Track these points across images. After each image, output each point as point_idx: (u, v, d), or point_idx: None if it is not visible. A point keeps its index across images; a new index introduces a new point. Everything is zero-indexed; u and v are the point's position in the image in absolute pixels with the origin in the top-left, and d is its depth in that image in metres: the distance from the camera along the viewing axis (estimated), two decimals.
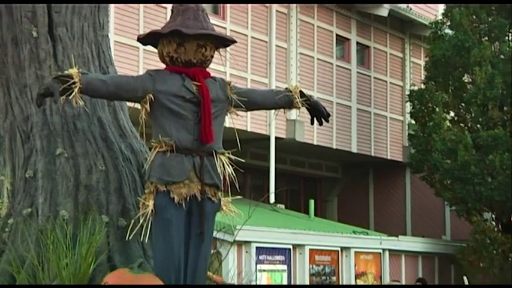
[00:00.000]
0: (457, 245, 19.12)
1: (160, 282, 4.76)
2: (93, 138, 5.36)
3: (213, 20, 6.10)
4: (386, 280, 16.73)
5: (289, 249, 15.32)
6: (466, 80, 19.36)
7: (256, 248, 14.43)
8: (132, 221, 5.03)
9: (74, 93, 4.81)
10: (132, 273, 4.71)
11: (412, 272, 18.32)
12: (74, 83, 4.82)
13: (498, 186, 17.95)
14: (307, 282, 15.65)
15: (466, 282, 15.16)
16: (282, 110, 5.45)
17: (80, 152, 5.30)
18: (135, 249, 5.16)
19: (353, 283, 16.47)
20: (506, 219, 18.96)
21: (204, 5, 5.17)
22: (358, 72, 20.78)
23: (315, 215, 18.87)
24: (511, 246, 17.99)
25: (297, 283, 15.28)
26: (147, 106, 5.00)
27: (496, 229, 18.66)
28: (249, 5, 17.77)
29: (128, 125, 5.63)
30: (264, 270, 14.62)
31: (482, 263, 17.97)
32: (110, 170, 5.30)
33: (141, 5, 15.69)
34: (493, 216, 19.14)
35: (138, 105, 5.09)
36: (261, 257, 14.61)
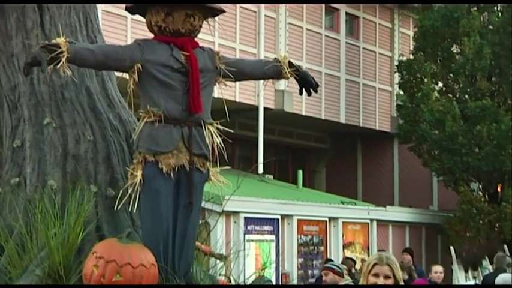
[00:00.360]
0: (444, 215, 19.23)
1: (149, 252, 4.77)
2: (81, 108, 5.34)
3: None
4: (374, 250, 16.84)
5: (278, 219, 15.38)
6: (455, 51, 19.36)
7: (245, 218, 14.48)
8: (121, 191, 5.03)
9: (61, 63, 4.79)
10: (121, 243, 4.72)
11: (400, 242, 18.45)
12: (62, 52, 4.79)
13: (485, 157, 18.03)
14: (295, 252, 15.74)
15: (453, 252, 15.29)
16: (270, 80, 5.44)
17: (68, 121, 5.28)
18: (124, 219, 5.16)
19: (341, 253, 16.57)
20: (493, 189, 19.07)
21: None
22: (347, 42, 20.74)
23: (303, 185, 18.92)
24: (497, 216, 18.11)
25: (285, 253, 15.36)
26: (135, 76, 4.99)
27: (482, 199, 18.77)
28: None
29: (116, 95, 5.61)
30: (252, 240, 14.68)
31: (469, 233, 18.08)
32: (98, 139, 5.29)
33: None
34: (480, 186, 19.24)
35: (126, 75, 5.07)
36: (249, 227, 14.67)
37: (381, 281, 4.72)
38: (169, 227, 4.98)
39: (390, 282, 4.75)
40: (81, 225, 4.86)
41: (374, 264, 4.79)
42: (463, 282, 15.20)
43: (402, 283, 4.86)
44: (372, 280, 4.75)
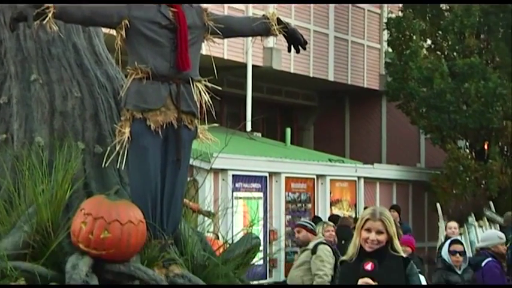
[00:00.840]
0: (431, 173, 19.32)
1: (137, 209, 4.78)
2: (68, 65, 5.30)
3: None
4: (361, 207, 16.93)
5: (266, 177, 15.41)
6: (444, 8, 19.28)
7: (233, 175, 14.50)
8: (108, 148, 5.03)
9: (48, 18, 4.74)
10: (109, 200, 4.73)
11: (387, 199, 18.56)
12: (48, 7, 4.74)
13: (473, 114, 18.07)
14: (283, 210, 15.81)
15: (439, 209, 15.39)
16: (259, 37, 5.42)
17: (55, 78, 5.25)
18: (112, 176, 5.16)
19: (328, 210, 16.66)
20: (480, 146, 19.15)
21: None
22: None
23: (291, 143, 18.93)
24: (483, 173, 18.22)
25: (273, 210, 15.43)
26: (123, 32, 4.95)
27: (469, 156, 18.85)
28: None
29: (103, 52, 5.57)
30: (240, 198, 14.72)
31: (456, 190, 18.18)
32: (85, 96, 5.26)
33: None
34: (467, 143, 19.30)
35: (113, 32, 5.03)
36: (237, 185, 14.70)
37: (372, 236, 4.73)
38: (157, 184, 4.99)
39: (382, 237, 4.75)
40: (69, 182, 4.86)
41: (367, 219, 4.79)
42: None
43: (396, 239, 4.87)
44: (365, 235, 4.76)
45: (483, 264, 8.55)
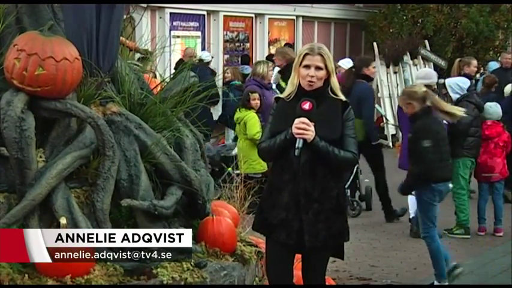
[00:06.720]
0: (369, 11, 19.34)
1: (72, 46, 4.71)
2: None
3: None
4: (299, 47, 16.98)
5: (204, 15, 15.27)
6: None
7: (170, 13, 14.34)
8: None
9: None
10: (43, 36, 4.63)
11: (325, 38, 18.61)
12: None
13: None
14: (221, 49, 15.77)
15: (376, 48, 15.51)
16: None
17: None
18: (45, 11, 5.04)
19: (266, 50, 16.68)
20: None
21: None
22: None
23: None
24: (420, 12, 18.30)
25: (211, 49, 15.39)
26: None
27: None
28: None
29: None
30: (178, 37, 14.62)
31: (392, 29, 18.30)
32: None
33: None
34: None
35: None
36: (175, 23, 14.56)
37: (312, 72, 4.60)
38: (93, 21, 4.91)
39: (322, 73, 4.62)
40: (1, 16, 4.74)
41: (305, 54, 4.63)
42: (384, 78, 15.55)
43: (334, 77, 4.75)
44: (303, 72, 4.62)
45: None
